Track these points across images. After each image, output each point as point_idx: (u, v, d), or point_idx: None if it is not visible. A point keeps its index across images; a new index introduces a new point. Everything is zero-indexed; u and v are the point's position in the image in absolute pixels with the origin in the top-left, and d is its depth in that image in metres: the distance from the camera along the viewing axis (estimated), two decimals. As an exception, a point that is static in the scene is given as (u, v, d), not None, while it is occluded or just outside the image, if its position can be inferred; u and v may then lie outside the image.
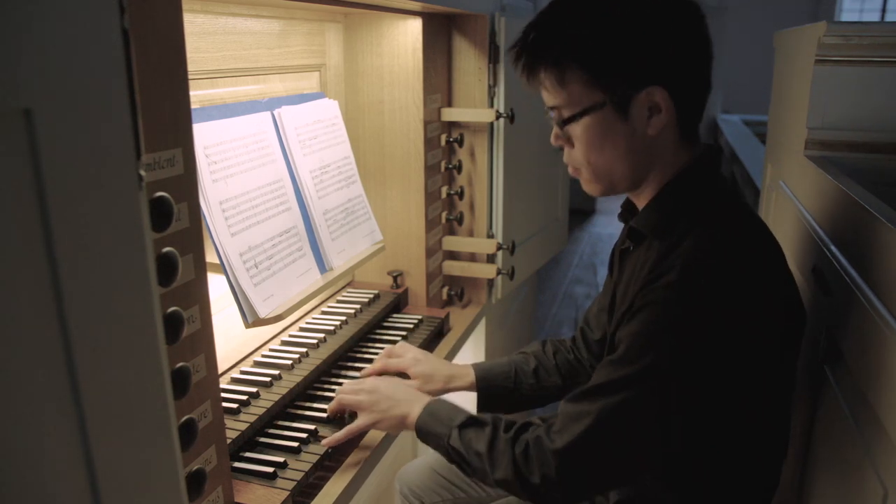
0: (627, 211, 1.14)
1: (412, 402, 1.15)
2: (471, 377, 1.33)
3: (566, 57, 0.97)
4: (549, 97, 1.02)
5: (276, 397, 1.21)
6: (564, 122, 1.01)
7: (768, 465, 1.07)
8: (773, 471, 1.08)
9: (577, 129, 1.00)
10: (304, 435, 1.14)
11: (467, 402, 1.29)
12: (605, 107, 0.97)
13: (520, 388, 1.33)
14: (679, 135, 1.01)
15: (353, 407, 1.18)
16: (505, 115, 1.74)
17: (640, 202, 1.06)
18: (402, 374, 1.35)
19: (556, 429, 0.98)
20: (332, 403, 1.20)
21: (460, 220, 1.85)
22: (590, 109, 0.97)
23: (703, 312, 0.90)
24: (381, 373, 1.35)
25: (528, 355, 1.37)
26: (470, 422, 1.08)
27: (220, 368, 1.19)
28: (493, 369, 1.34)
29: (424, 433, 1.12)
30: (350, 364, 1.43)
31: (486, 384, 1.32)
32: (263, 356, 1.37)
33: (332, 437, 1.13)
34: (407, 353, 1.36)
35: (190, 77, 0.83)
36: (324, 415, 1.20)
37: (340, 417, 1.21)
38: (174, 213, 0.67)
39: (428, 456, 1.48)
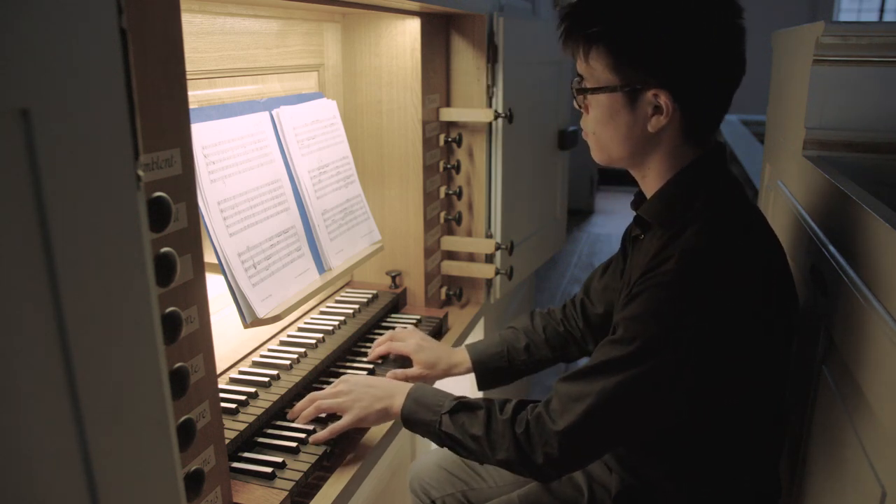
0: (637, 199, 1.18)
1: (393, 393, 1.18)
2: (468, 363, 1.40)
3: (596, 36, 1.03)
4: (579, 65, 1.09)
5: (275, 398, 1.21)
6: (580, 91, 1.09)
7: (764, 456, 1.10)
8: (770, 460, 1.11)
9: (592, 101, 1.08)
10: (302, 435, 1.14)
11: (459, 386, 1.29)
12: (616, 92, 1.03)
13: (513, 364, 1.41)
14: (682, 138, 1.04)
15: (334, 409, 1.18)
16: (503, 115, 1.74)
17: (647, 189, 1.12)
18: (405, 361, 1.41)
19: (556, 409, 1.03)
20: (310, 409, 1.18)
21: (459, 220, 1.85)
22: (603, 89, 1.04)
23: (697, 298, 0.95)
24: (385, 354, 1.43)
25: (518, 331, 1.44)
26: (460, 406, 1.12)
27: (219, 369, 1.18)
28: (487, 351, 1.42)
29: (411, 421, 1.15)
30: (348, 364, 1.43)
31: (483, 366, 1.41)
32: (262, 356, 1.36)
33: (317, 435, 1.13)
34: (410, 339, 1.42)
35: (188, 77, 0.83)
36: (322, 415, 1.20)
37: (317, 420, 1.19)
38: (172, 214, 0.67)
39: (434, 453, 1.52)
